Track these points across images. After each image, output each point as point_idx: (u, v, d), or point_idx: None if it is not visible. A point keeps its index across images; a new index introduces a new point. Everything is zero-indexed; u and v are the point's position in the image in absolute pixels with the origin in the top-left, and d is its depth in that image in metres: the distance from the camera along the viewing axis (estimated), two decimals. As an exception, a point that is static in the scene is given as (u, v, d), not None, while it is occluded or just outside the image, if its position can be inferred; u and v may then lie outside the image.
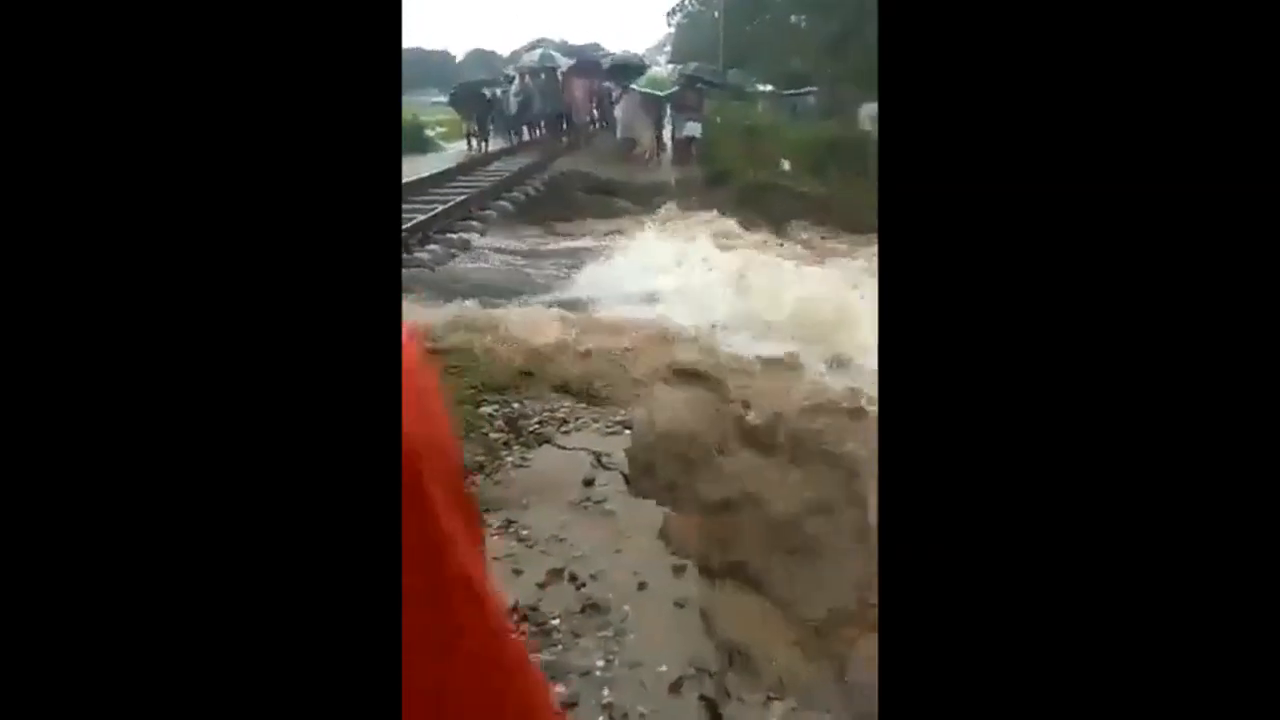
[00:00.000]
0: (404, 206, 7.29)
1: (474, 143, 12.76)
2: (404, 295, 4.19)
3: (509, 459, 2.80)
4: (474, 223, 6.78)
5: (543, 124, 11.93)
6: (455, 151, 13.14)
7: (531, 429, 3.01)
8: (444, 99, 28.13)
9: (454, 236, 6.15)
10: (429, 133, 14.96)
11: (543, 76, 11.29)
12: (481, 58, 34.43)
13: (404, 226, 5.76)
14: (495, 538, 2.23)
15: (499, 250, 6.25)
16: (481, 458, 2.82)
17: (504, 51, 33.57)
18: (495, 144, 12.37)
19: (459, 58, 39.42)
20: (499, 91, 12.32)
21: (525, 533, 2.30)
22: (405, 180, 8.46)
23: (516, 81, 11.57)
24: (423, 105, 26.58)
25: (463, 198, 7.24)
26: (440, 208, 6.62)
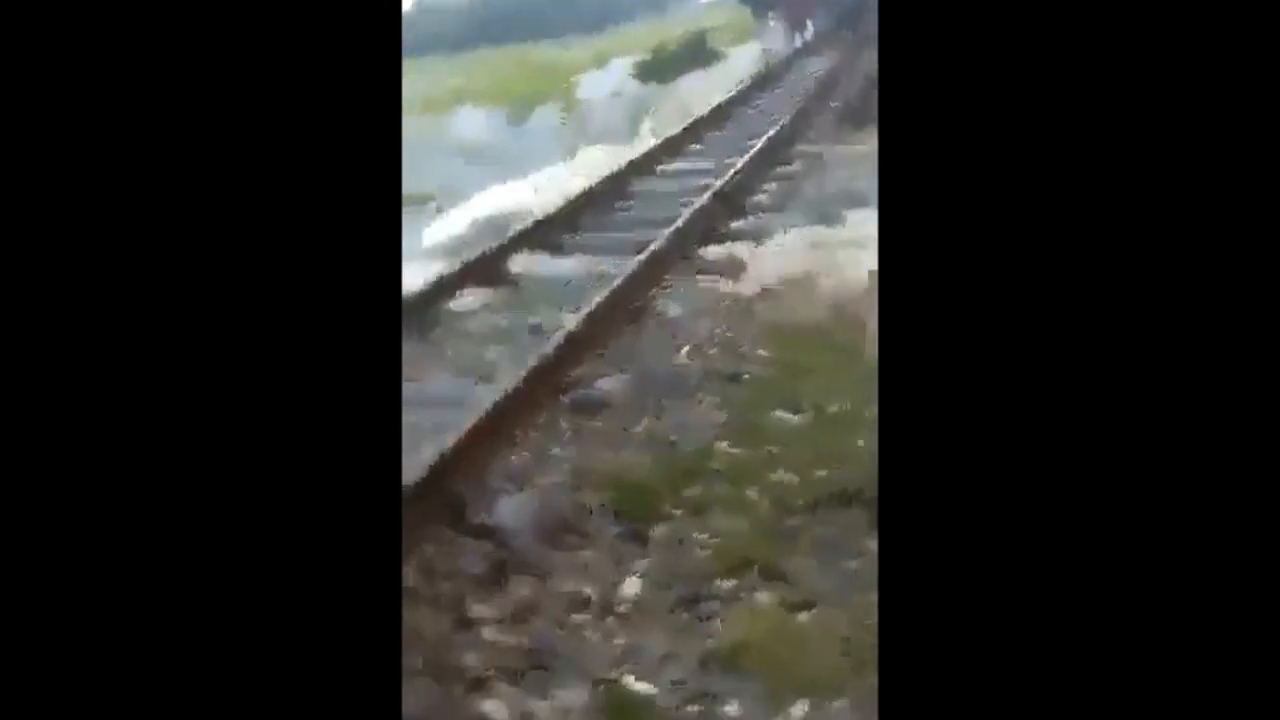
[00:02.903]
0: (722, 134, 6.29)
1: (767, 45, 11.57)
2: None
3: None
4: (805, 146, 5.60)
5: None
6: (744, 58, 11.96)
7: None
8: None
9: (787, 169, 5.03)
10: (710, 43, 13.78)
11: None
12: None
13: (735, 167, 4.75)
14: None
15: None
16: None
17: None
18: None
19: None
20: None
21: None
22: (720, 99, 7.48)
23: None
24: (697, 7, 25.46)
25: (784, 119, 6.07)
26: (770, 131, 5.52)
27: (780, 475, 2.08)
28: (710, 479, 2.09)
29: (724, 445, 2.23)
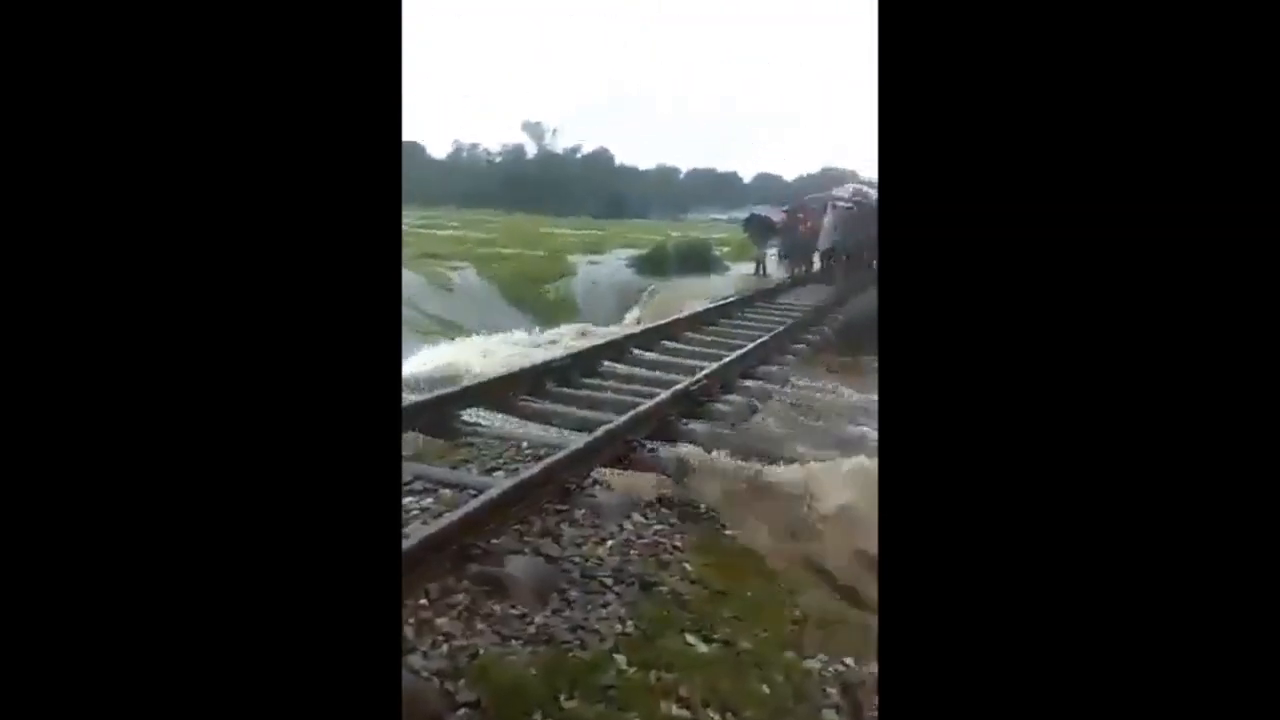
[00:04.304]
0: (700, 337, 6.46)
1: (761, 269, 12.29)
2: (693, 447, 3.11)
3: None
4: (774, 368, 5.73)
5: (845, 257, 11.02)
6: (738, 274, 12.63)
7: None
8: (722, 216, 29.03)
9: (753, 385, 5.11)
10: (716, 252, 14.59)
11: (855, 210, 10.44)
12: (768, 181, 34.96)
13: (706, 371, 4.82)
14: None
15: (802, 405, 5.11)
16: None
17: (789, 176, 33.91)
18: (776, 272, 11.82)
19: (747, 180, 40.50)
20: (778, 219, 11.86)
21: None
22: (705, 306, 7.78)
23: (830, 213, 10.79)
24: (704, 220, 27.29)
25: (764, 337, 6.26)
26: (747, 346, 5.66)
27: (671, 710, 1.89)
28: (596, 695, 1.90)
29: (621, 659, 2.05)
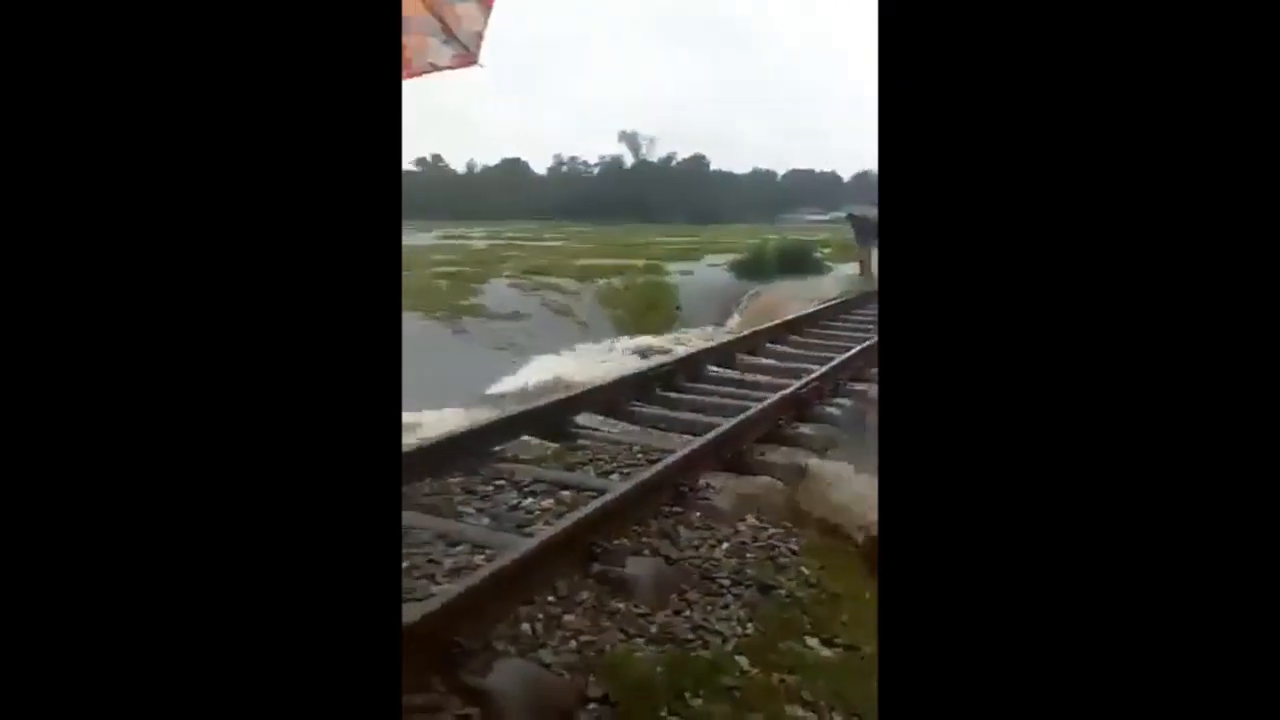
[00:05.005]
0: (803, 340, 6.40)
1: (865, 270, 12.03)
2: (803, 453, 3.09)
3: None
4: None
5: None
6: (842, 275, 12.41)
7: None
8: (823, 216, 28.48)
9: (864, 388, 5.01)
10: (817, 254, 14.39)
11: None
12: (870, 180, 34.15)
13: (815, 374, 4.78)
14: None
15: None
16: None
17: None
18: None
19: (846, 178, 39.72)
20: (875, 217, 11.59)
21: None
22: (814, 309, 7.71)
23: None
24: (802, 222, 26.95)
25: (871, 339, 6.14)
26: (854, 349, 5.58)
27: (797, 712, 1.90)
28: (720, 695, 1.92)
29: (743, 660, 2.07)
